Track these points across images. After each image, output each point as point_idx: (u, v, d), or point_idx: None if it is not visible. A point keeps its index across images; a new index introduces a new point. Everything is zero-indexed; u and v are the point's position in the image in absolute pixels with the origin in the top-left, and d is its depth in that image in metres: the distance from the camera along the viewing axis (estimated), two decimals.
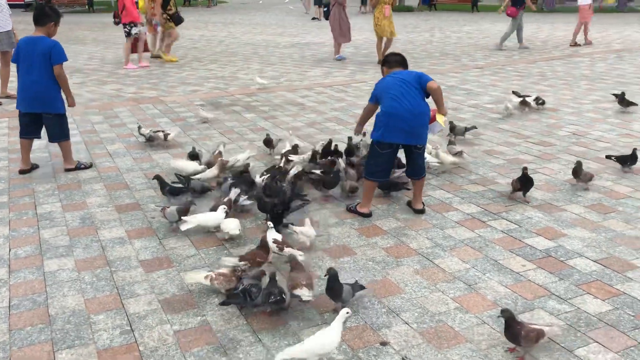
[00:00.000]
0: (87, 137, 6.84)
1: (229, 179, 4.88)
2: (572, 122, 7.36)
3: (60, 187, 5.25)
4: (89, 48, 15.75)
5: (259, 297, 3.16)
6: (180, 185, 4.82)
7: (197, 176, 5.08)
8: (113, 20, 12.42)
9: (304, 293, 3.20)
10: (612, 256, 3.89)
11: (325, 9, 12.54)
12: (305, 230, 4.00)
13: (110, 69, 12.15)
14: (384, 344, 2.99)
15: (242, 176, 4.97)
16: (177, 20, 12.72)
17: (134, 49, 12.11)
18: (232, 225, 4.06)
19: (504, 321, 2.90)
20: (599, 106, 8.21)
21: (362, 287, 3.34)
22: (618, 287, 3.51)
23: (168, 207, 4.31)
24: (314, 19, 24.25)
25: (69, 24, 23.74)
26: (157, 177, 4.82)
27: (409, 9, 28.50)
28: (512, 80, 10.32)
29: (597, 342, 2.99)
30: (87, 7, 30.61)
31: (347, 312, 2.84)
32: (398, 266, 3.79)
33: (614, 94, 8.34)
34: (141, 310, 3.31)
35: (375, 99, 4.60)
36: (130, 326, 3.16)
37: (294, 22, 23.50)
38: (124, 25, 11.61)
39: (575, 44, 14.83)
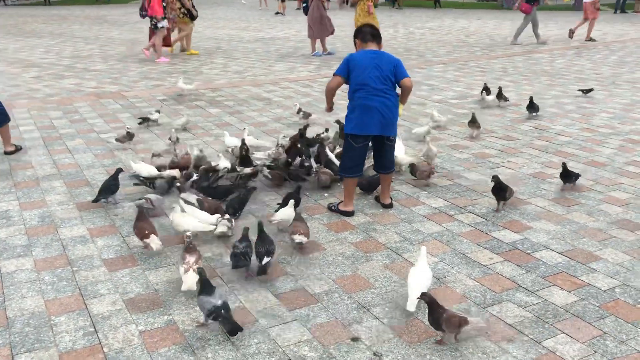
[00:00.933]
0: (45, 133, 6.62)
1: (194, 175, 4.82)
2: (533, 117, 7.48)
3: (17, 184, 5.06)
4: (45, 41, 15.30)
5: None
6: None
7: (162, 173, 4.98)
8: (139, 12, 12.13)
9: (302, 239, 3.77)
10: (577, 248, 3.95)
11: (305, 5, 12.43)
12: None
13: (68, 62, 11.81)
14: (355, 339, 2.96)
15: (205, 173, 4.89)
16: (193, 15, 12.68)
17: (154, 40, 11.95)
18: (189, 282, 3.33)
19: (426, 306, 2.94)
20: (559, 101, 8.38)
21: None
22: (583, 278, 3.56)
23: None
24: (277, 13, 24.13)
25: (24, 16, 23.06)
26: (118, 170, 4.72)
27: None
28: (475, 75, 10.45)
29: (564, 333, 3.02)
30: None
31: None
32: (367, 261, 3.77)
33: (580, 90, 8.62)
34: (105, 311, 3.20)
35: (345, 72, 4.35)
36: (94, 327, 3.06)
37: (258, 17, 23.32)
38: (151, 18, 11.44)
39: (590, 39, 15.16)
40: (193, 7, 12.67)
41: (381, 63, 4.29)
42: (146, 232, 3.79)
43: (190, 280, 3.25)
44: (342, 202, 4.54)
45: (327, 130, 6.02)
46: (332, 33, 12.86)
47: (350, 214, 4.46)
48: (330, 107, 4.77)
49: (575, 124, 7.14)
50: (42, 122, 7.09)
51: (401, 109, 4.49)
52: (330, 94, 4.59)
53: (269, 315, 3.18)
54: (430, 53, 13.33)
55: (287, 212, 4.07)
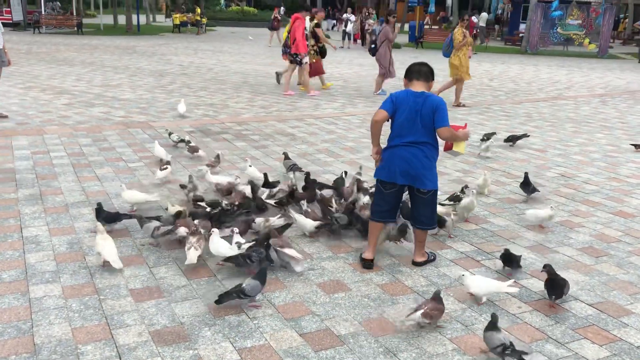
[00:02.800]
0: (74, 160, 6.73)
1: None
2: (559, 164, 7.45)
3: (47, 210, 5.13)
4: (76, 70, 15.67)
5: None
6: (115, 212, 4.77)
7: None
8: (282, 49, 12.57)
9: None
10: (607, 300, 3.88)
11: (373, 46, 12.64)
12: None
13: (98, 91, 12.07)
14: None
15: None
16: (324, 52, 13.24)
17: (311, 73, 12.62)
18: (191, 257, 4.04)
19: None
20: (584, 149, 8.34)
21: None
22: (614, 332, 3.49)
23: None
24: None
25: (57, 45, 23.71)
26: (98, 205, 4.69)
27: (397, 46, 28.94)
28: (500, 119, 10.47)
29: None
30: (75, 29, 30.60)
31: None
32: (394, 304, 3.74)
33: (633, 144, 8.51)
34: (131, 342, 3.20)
35: (391, 109, 4.09)
36: (120, 358, 3.05)
37: None
38: (294, 55, 11.92)
39: None
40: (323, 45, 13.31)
41: (420, 105, 4.02)
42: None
43: (192, 256, 3.95)
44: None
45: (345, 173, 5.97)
46: (394, 76, 12.94)
47: (365, 262, 4.21)
48: (377, 149, 4.30)
49: (602, 173, 7.09)
50: (72, 149, 7.21)
51: (458, 148, 4.41)
52: (375, 128, 4.19)
53: (294, 355, 3.15)
54: (452, 95, 13.38)
55: None
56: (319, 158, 7.27)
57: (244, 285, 3.53)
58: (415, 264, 4.30)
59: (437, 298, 3.43)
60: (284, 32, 13.26)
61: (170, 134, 7.55)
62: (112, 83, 13.34)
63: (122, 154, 7.09)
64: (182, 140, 7.44)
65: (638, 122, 10.62)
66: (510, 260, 4.19)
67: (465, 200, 5.16)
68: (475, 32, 25.09)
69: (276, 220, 4.65)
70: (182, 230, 4.31)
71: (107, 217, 4.64)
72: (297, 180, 5.84)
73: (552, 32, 27.84)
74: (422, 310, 3.33)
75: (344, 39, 28.21)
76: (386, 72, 12.63)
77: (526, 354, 3.06)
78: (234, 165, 6.80)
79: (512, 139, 8.35)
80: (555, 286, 3.72)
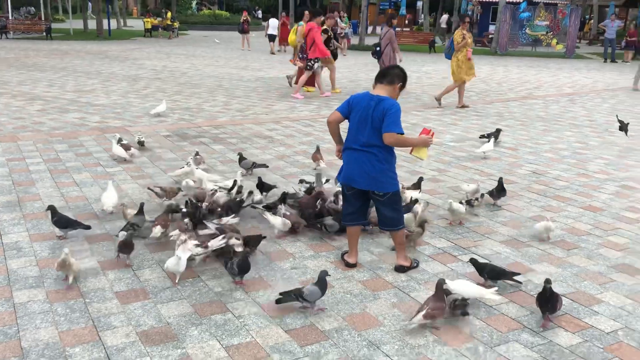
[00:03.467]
0: (51, 166, 6.70)
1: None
2: (530, 162, 7.66)
3: (26, 216, 5.12)
4: (47, 75, 15.49)
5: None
6: (68, 219, 4.67)
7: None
8: (299, 54, 12.72)
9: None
10: (579, 291, 4.05)
11: (377, 49, 12.89)
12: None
13: (72, 97, 11.97)
14: None
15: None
16: (334, 56, 13.51)
17: (307, 81, 12.87)
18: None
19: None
20: (555, 147, 8.58)
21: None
22: (586, 320, 3.65)
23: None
24: (272, 53, 24.73)
25: (26, 50, 23.35)
26: (50, 207, 4.64)
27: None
28: (472, 119, 10.69)
29: None
30: (44, 34, 30.17)
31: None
32: (375, 299, 3.84)
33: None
34: (119, 343, 3.24)
35: (345, 111, 4.13)
36: (109, 359, 3.09)
37: (257, 56, 23.74)
38: (309, 60, 12.28)
39: None
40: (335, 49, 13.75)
41: (372, 106, 3.97)
42: None
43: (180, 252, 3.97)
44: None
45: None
46: None
47: (350, 265, 4.28)
48: (338, 148, 4.35)
49: (571, 169, 7.31)
50: (48, 155, 7.17)
51: (418, 153, 4.25)
52: (330, 128, 4.31)
53: (281, 350, 3.23)
54: (427, 96, 13.62)
55: None
56: (297, 160, 7.36)
57: (303, 289, 3.60)
58: (396, 269, 4.27)
59: (438, 293, 3.49)
60: (291, 36, 13.89)
61: (119, 140, 7.27)
62: (85, 88, 13.23)
63: (99, 159, 7.07)
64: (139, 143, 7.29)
65: (605, 120, 10.95)
66: (481, 269, 4.07)
67: (456, 205, 5.18)
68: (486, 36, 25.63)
69: (230, 219, 4.72)
70: (177, 232, 4.40)
71: (58, 221, 4.56)
72: (260, 175, 5.96)
73: (520, 33, 28.42)
74: (423, 312, 3.40)
75: None
76: None
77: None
78: (213, 169, 6.84)
79: (488, 136, 8.55)
80: (549, 301, 3.55)
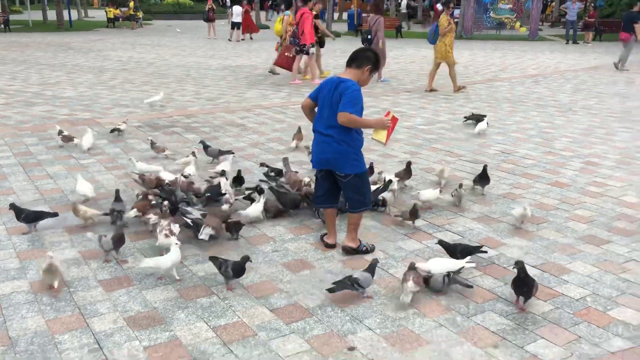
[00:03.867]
0: (22, 160, 6.62)
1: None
2: (499, 142, 7.87)
3: (0, 210, 5.08)
4: (9, 68, 15.16)
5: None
6: (35, 211, 4.67)
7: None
8: (292, 40, 12.77)
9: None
10: (549, 262, 4.24)
11: (369, 37, 12.93)
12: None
13: (36, 90, 11.76)
14: (351, 349, 3.14)
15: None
16: (322, 43, 13.68)
17: (292, 63, 13.00)
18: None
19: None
20: (521, 127, 8.82)
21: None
22: (557, 288, 3.83)
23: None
24: (240, 40, 24.60)
25: None
26: (12, 206, 4.65)
27: (337, 35, 29.22)
28: (440, 103, 10.88)
29: (544, 338, 3.27)
30: (2, 26, 29.36)
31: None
32: None
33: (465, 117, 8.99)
34: (107, 329, 3.29)
35: (315, 93, 4.24)
36: (99, 344, 3.14)
37: (224, 45, 23.57)
38: (302, 45, 12.48)
39: None
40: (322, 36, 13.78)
41: (333, 88, 4.02)
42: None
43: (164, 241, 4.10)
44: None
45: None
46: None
47: (329, 245, 4.38)
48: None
49: (538, 148, 7.54)
50: (18, 149, 7.08)
51: (377, 136, 4.28)
52: (304, 113, 4.42)
53: (267, 328, 3.33)
54: (396, 81, 13.77)
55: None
56: (271, 147, 7.42)
57: (356, 276, 3.61)
58: (343, 249, 4.30)
59: (412, 268, 3.66)
60: (277, 26, 14.17)
61: (60, 132, 7.15)
62: (50, 81, 13.00)
63: (72, 151, 7.02)
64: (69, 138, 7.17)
65: (569, 100, 11.26)
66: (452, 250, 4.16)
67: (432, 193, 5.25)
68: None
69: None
70: (153, 217, 4.45)
71: (27, 217, 4.55)
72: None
73: (485, 17, 28.78)
74: (410, 280, 3.55)
75: None
76: (383, 62, 13.13)
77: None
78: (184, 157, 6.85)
79: (473, 117, 8.80)
80: (524, 285, 3.52)
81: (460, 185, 5.33)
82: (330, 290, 3.60)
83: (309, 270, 4.06)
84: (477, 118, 8.66)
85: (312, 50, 12.84)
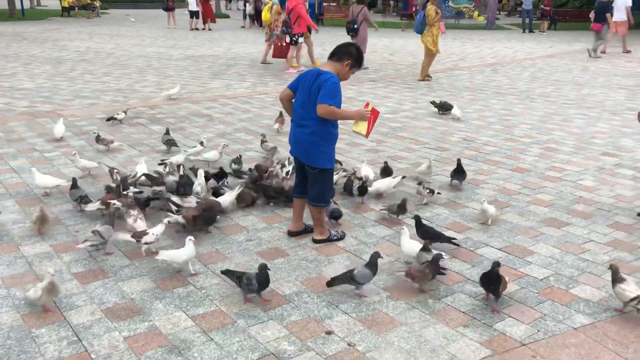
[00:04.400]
0: None
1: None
2: (461, 129, 8.07)
3: None
4: None
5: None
6: None
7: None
8: (282, 28, 13.02)
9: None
10: (513, 244, 4.42)
11: (355, 26, 13.30)
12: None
13: None
14: (329, 332, 3.23)
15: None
16: (310, 30, 13.83)
17: (287, 52, 13.29)
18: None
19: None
20: (482, 114, 9.05)
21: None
22: (521, 270, 4.01)
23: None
24: (196, 29, 24.40)
25: None
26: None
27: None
28: (404, 92, 11.05)
29: (511, 316, 3.43)
30: None
31: None
32: (330, 263, 4.06)
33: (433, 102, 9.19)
34: (85, 321, 3.30)
35: (293, 84, 4.26)
36: (77, 336, 3.15)
37: (185, 34, 23.25)
38: (294, 34, 12.77)
39: (628, 51, 17.47)
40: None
41: (312, 80, 4.06)
42: None
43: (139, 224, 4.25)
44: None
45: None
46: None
47: (289, 232, 4.45)
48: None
49: (499, 135, 7.77)
50: None
51: (357, 127, 4.25)
52: (282, 105, 4.43)
53: (245, 316, 3.39)
54: (359, 71, 13.85)
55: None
56: (238, 137, 7.44)
57: (355, 272, 3.56)
58: (314, 240, 4.37)
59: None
60: (265, 15, 14.25)
61: (97, 137, 6.76)
62: (5, 72, 12.65)
63: (34, 144, 6.89)
64: None
65: (526, 88, 11.58)
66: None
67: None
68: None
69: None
70: (118, 204, 4.59)
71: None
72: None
73: (444, 6, 29.15)
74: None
75: (244, 18, 27.96)
76: (364, 49, 13.44)
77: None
78: (154, 149, 6.82)
79: (441, 106, 9.02)
80: (493, 282, 3.47)
81: (420, 183, 5.35)
82: (328, 284, 3.62)
83: (283, 258, 4.13)
84: (444, 106, 8.87)
85: (301, 40, 13.03)
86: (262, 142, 6.51)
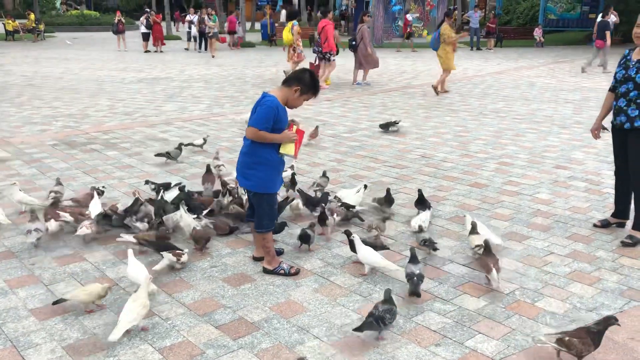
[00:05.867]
0: None
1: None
2: (418, 147, 8.18)
3: None
4: None
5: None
6: None
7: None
8: (313, 48, 14.36)
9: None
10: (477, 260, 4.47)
11: (354, 42, 14.22)
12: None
13: None
14: (301, 359, 3.17)
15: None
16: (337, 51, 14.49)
17: (316, 72, 13.43)
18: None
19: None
20: (438, 131, 9.21)
21: None
22: (487, 285, 4.06)
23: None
24: (147, 51, 24.00)
25: None
26: None
27: (251, 45, 29.23)
28: (360, 111, 11.15)
29: (481, 333, 3.45)
30: None
31: None
32: (298, 287, 4.01)
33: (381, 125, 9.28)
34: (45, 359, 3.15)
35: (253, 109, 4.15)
36: None
37: (136, 57, 22.92)
38: (325, 53, 13.90)
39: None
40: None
41: (256, 108, 4.01)
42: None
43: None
44: None
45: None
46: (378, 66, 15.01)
47: (254, 258, 4.40)
48: None
49: (455, 151, 7.91)
50: None
51: (284, 149, 4.05)
52: None
53: (214, 346, 3.30)
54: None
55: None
56: (197, 160, 7.33)
57: (381, 313, 3.31)
58: (263, 270, 4.23)
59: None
60: (287, 35, 14.45)
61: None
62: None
63: None
64: None
65: (479, 104, 11.87)
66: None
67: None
68: (409, 29, 27.15)
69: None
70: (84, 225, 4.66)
71: None
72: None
73: (394, 26, 29.73)
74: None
75: (189, 40, 27.60)
76: (367, 64, 14.52)
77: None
78: (110, 175, 6.64)
79: (386, 126, 9.09)
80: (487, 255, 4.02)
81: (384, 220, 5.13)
82: (355, 330, 3.33)
83: (250, 283, 4.06)
84: (389, 125, 9.07)
85: (334, 57, 14.03)
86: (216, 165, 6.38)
